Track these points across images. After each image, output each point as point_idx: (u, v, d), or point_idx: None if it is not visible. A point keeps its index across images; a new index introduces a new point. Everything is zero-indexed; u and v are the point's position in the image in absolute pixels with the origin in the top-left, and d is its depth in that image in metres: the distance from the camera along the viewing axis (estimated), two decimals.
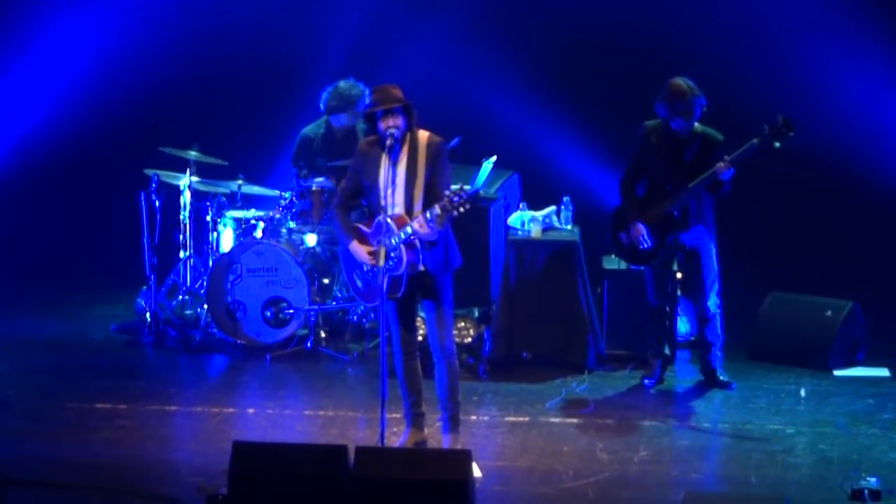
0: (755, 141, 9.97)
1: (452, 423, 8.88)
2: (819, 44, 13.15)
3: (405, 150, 8.65)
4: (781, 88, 13.07)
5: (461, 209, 8.36)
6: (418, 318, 9.39)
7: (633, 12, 13.35)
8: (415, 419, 8.95)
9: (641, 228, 10.20)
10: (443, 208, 8.37)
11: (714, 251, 10.32)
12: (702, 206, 10.22)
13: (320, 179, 11.44)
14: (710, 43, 13.05)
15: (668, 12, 13.28)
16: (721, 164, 9.96)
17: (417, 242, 8.56)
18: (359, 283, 8.87)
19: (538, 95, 13.37)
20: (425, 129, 8.73)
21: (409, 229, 8.49)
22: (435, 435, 9.13)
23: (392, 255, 8.53)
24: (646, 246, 10.19)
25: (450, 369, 8.80)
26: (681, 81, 10.09)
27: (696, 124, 10.16)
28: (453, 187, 8.56)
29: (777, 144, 9.95)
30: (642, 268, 10.55)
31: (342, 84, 11.54)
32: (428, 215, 8.42)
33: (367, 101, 11.34)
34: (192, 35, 13.77)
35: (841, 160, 13.02)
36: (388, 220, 8.56)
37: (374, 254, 8.58)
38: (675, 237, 10.25)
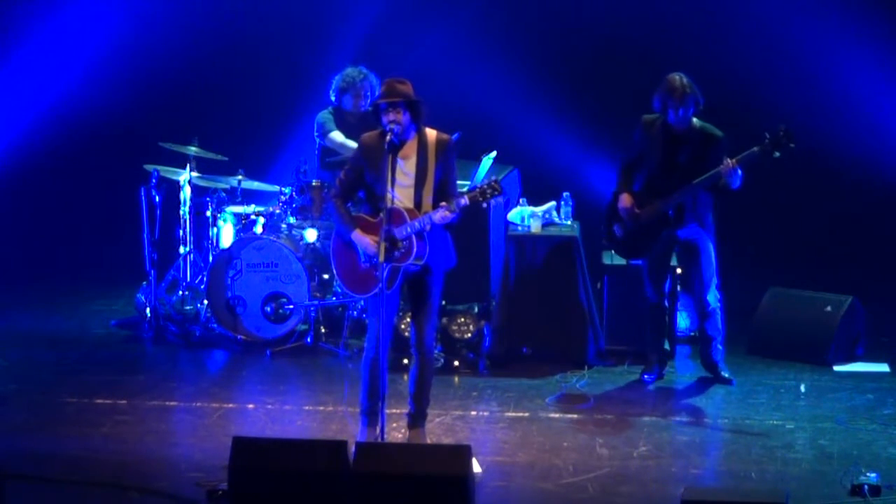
0: (756, 149, 9.97)
1: (418, 418, 8.86)
2: (817, 39, 13.14)
3: (413, 147, 8.66)
4: (780, 86, 13.06)
5: (490, 201, 8.55)
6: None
7: (635, 9, 13.34)
8: (371, 419, 8.80)
9: (628, 198, 10.20)
10: (472, 199, 8.46)
11: (711, 246, 10.32)
12: (698, 203, 10.21)
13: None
14: (711, 40, 13.04)
15: (670, 9, 13.27)
16: (728, 162, 9.92)
17: (426, 236, 8.58)
18: (349, 274, 8.85)
19: (538, 91, 13.36)
20: (430, 126, 8.74)
21: (425, 219, 8.51)
22: (435, 430, 9.16)
23: (401, 244, 8.54)
24: (628, 215, 10.18)
25: (426, 365, 8.81)
26: (676, 76, 10.09)
27: (695, 120, 10.16)
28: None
29: (777, 154, 9.96)
30: (640, 262, 10.56)
31: (348, 67, 11.58)
32: (453, 205, 8.47)
33: (373, 86, 11.38)
34: (192, 30, 13.76)
35: (841, 155, 13.02)
36: (402, 208, 8.57)
37: (378, 244, 8.56)
38: (669, 233, 10.25)
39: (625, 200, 10.25)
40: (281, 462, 7.48)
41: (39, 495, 8.27)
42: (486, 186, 8.56)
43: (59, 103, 13.98)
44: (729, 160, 9.93)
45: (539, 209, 11.17)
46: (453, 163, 8.73)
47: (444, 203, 8.57)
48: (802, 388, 10.40)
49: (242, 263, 11.40)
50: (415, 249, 8.56)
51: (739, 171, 9.95)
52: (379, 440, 8.42)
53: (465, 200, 8.54)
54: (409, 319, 9.77)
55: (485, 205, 8.66)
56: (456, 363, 10.81)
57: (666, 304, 10.59)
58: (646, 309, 10.52)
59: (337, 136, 11.45)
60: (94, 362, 11.04)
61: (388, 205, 8.54)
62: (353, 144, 10.99)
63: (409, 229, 8.55)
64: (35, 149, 14.07)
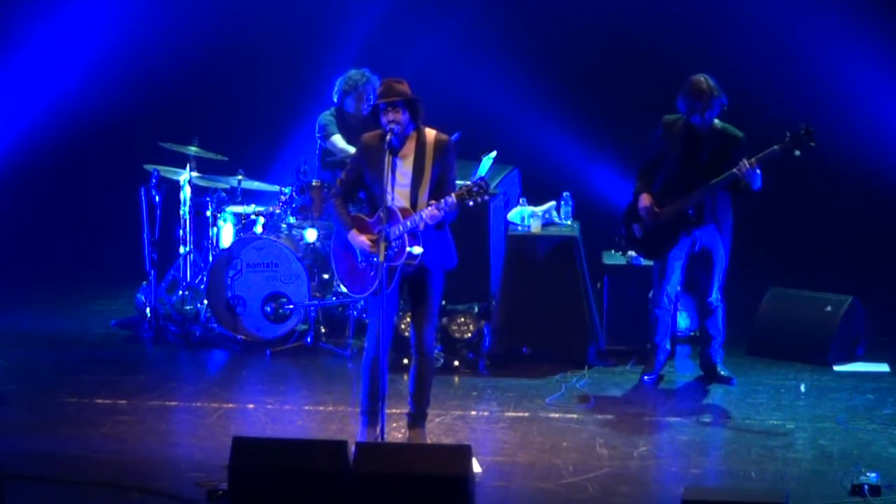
0: (776, 147, 9.95)
1: (418, 418, 8.87)
2: (817, 39, 13.14)
3: (411, 147, 8.67)
4: (781, 86, 13.07)
5: (477, 200, 8.44)
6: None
7: (635, 8, 13.34)
8: (371, 419, 8.78)
9: (648, 198, 10.19)
10: (459, 197, 8.44)
11: (724, 248, 10.30)
12: (717, 204, 10.20)
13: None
14: (712, 40, 13.03)
15: (670, 9, 13.27)
16: (744, 163, 9.91)
17: (419, 235, 8.58)
18: (348, 273, 8.87)
19: (538, 90, 13.37)
20: (430, 126, 8.74)
21: (416, 218, 8.50)
22: (435, 430, 9.15)
23: (393, 244, 8.54)
24: (648, 215, 10.17)
25: (426, 364, 8.81)
26: (702, 79, 10.06)
27: (716, 121, 10.14)
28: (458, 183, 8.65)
29: (797, 153, 9.94)
30: (652, 262, 10.55)
31: (352, 70, 11.60)
32: (442, 203, 8.45)
33: (376, 89, 11.38)
34: (192, 30, 13.76)
35: (842, 155, 13.01)
36: (395, 208, 8.57)
37: (374, 243, 8.59)
38: (688, 232, 10.24)
39: (645, 200, 10.23)
40: (281, 462, 7.49)
41: (39, 495, 8.27)
42: (472, 185, 8.52)
43: (59, 103, 13.98)
44: (746, 161, 9.92)
45: (539, 209, 11.16)
46: (452, 163, 8.73)
47: (433, 201, 8.58)
48: (802, 388, 10.40)
49: (242, 263, 11.40)
50: (406, 249, 8.57)
51: (759, 171, 9.93)
52: (379, 440, 8.42)
53: (451, 199, 8.53)
54: (409, 319, 9.77)
55: (470, 203, 8.55)
56: (456, 363, 10.81)
57: (670, 305, 10.55)
58: (651, 308, 10.48)
59: (338, 140, 11.47)
60: (94, 362, 11.04)
61: (386, 205, 8.55)
62: (353, 150, 11.00)
63: (401, 228, 8.55)
64: (35, 149, 14.07)
